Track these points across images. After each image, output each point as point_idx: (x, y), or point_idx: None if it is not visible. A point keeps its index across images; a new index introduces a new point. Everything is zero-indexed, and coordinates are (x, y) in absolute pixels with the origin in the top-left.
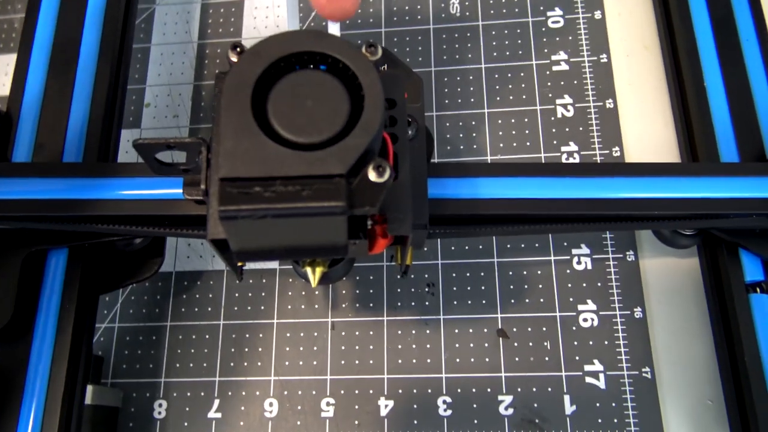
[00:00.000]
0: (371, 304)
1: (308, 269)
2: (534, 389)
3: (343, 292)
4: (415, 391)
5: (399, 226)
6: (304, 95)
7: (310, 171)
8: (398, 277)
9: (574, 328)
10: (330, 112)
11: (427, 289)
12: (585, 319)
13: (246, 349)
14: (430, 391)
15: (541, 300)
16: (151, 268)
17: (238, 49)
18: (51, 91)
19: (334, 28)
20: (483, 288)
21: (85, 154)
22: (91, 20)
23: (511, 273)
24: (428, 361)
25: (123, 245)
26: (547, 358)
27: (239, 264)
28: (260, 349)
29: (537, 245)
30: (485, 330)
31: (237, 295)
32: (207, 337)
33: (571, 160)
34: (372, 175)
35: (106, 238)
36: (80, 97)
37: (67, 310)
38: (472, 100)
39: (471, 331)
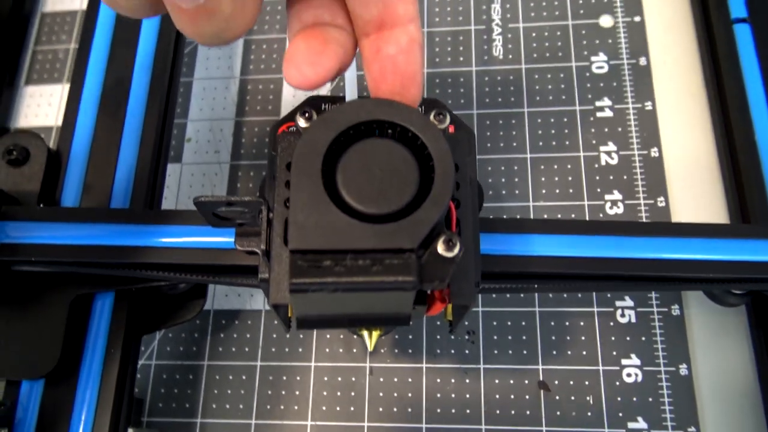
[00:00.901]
0: (410, 350)
1: (365, 333)
2: None
3: (382, 337)
4: None
5: (462, 297)
6: (374, 164)
7: (380, 245)
8: (449, 332)
9: (617, 383)
10: (399, 183)
11: (467, 337)
12: (629, 374)
13: (283, 392)
14: None
15: (584, 352)
16: (193, 310)
17: (307, 114)
18: (101, 131)
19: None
20: (524, 338)
21: (133, 194)
22: (142, 59)
23: (553, 323)
24: (467, 411)
25: (168, 288)
26: (589, 413)
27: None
28: (297, 393)
29: (580, 295)
30: (526, 381)
31: (275, 336)
32: (244, 377)
33: (615, 209)
34: (441, 249)
35: (154, 283)
36: (129, 137)
37: (112, 353)
38: (515, 144)
39: (512, 382)
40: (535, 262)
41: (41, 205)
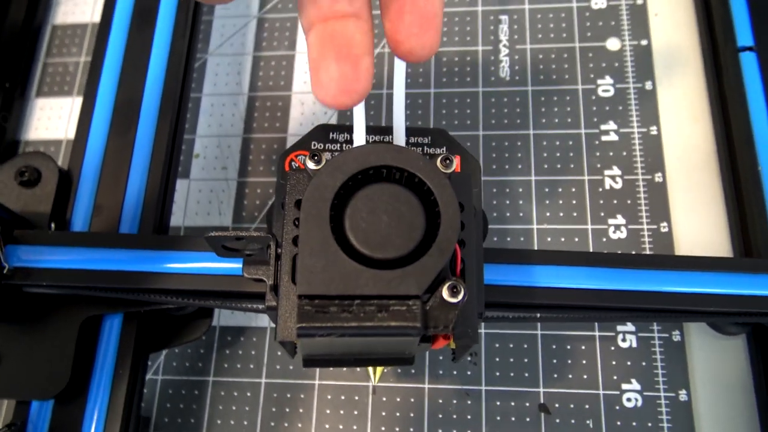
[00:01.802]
0: (413, 371)
1: (370, 369)
2: None
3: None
4: None
5: (466, 339)
6: (381, 210)
7: (386, 291)
8: (452, 360)
9: (617, 407)
10: (406, 228)
11: (469, 359)
12: (629, 399)
13: (287, 410)
14: None
15: (585, 376)
16: (199, 330)
17: (316, 158)
18: (112, 149)
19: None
20: (526, 360)
21: (142, 214)
22: (154, 74)
23: (554, 346)
24: None
25: (175, 310)
26: None
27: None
28: (301, 411)
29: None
30: (527, 404)
31: (280, 353)
32: (249, 394)
33: (618, 234)
34: (446, 295)
35: (162, 306)
36: (140, 155)
37: (121, 372)
38: (519, 166)
39: (513, 404)
40: (538, 294)
41: (52, 225)
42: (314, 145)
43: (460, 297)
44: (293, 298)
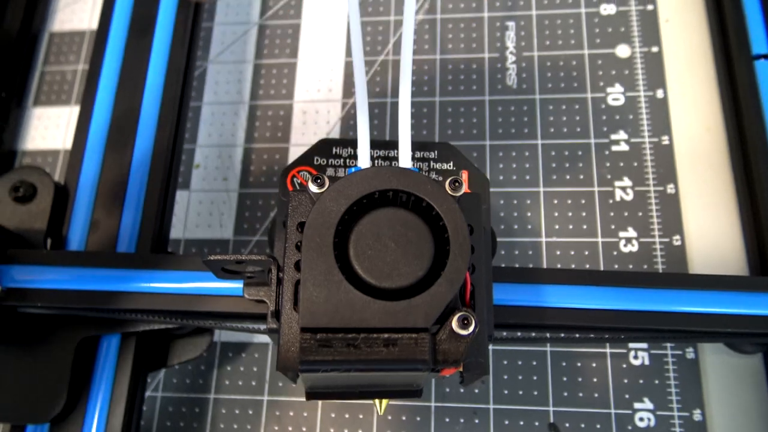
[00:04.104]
0: None
1: (376, 400)
2: None
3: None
4: None
5: (476, 369)
6: (387, 236)
7: (393, 323)
8: (459, 383)
9: (629, 427)
10: (413, 256)
11: None
12: (641, 419)
13: (290, 428)
14: None
15: (596, 395)
16: (200, 348)
17: (319, 181)
18: (109, 162)
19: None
20: (535, 378)
21: (141, 229)
22: (152, 87)
23: (564, 364)
24: None
25: (175, 329)
26: None
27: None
28: (304, 429)
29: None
30: (536, 423)
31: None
32: (250, 412)
33: (629, 247)
34: (457, 327)
35: (161, 326)
36: (138, 168)
37: (118, 393)
38: (527, 177)
39: (521, 423)
40: (548, 314)
41: (48, 241)
42: (317, 160)
43: (471, 329)
44: (295, 328)
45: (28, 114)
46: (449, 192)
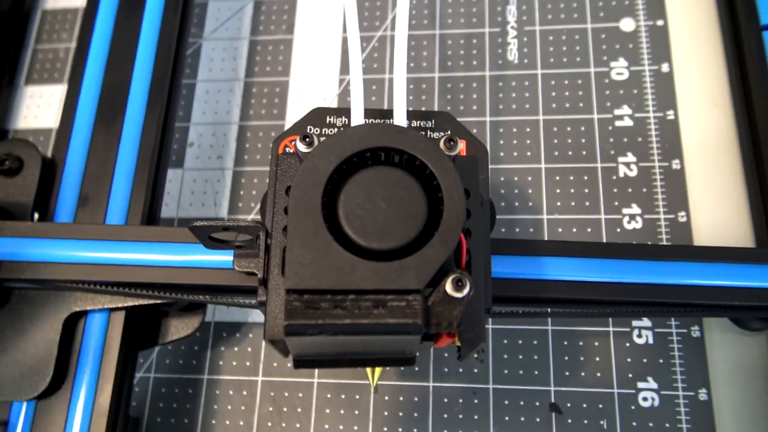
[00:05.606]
0: (417, 368)
1: (368, 370)
2: None
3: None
4: None
5: (472, 337)
6: (378, 195)
7: (384, 285)
8: (458, 359)
9: (632, 407)
10: (405, 216)
11: (476, 356)
12: (645, 398)
13: (284, 409)
14: None
15: (598, 374)
16: (191, 327)
17: (308, 140)
18: (98, 137)
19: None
20: (536, 357)
21: (130, 204)
22: (142, 62)
23: (566, 343)
24: None
25: (166, 305)
26: None
27: None
28: (299, 410)
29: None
30: (537, 403)
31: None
32: (245, 393)
33: (633, 224)
34: (450, 289)
35: (150, 302)
36: (128, 144)
37: (107, 370)
38: (529, 153)
39: (522, 403)
40: (549, 287)
41: (35, 215)
42: (310, 129)
43: (465, 292)
44: (282, 294)
45: (20, 92)
46: (444, 151)
